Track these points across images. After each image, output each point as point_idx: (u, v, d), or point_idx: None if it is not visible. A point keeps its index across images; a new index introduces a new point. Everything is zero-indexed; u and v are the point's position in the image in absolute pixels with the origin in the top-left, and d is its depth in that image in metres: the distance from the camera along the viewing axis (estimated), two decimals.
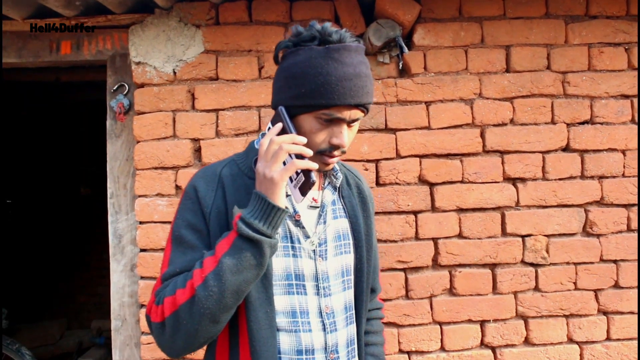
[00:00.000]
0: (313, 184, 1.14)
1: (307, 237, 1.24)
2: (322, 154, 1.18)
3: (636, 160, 2.20)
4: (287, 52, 1.18)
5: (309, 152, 1.11)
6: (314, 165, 1.11)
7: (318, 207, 1.29)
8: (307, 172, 1.13)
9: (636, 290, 2.20)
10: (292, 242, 1.23)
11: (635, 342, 2.19)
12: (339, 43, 1.14)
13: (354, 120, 1.18)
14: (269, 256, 1.11)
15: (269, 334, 1.16)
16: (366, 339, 1.42)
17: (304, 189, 1.15)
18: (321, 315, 1.23)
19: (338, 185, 1.33)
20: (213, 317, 1.08)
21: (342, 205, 1.35)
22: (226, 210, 1.19)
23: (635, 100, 2.21)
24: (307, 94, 1.12)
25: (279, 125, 1.15)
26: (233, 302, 1.09)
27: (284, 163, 1.11)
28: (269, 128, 1.17)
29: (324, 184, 1.32)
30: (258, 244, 1.07)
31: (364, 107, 1.17)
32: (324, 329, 1.23)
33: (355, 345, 1.32)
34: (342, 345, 1.26)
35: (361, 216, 1.36)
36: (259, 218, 1.08)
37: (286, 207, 1.11)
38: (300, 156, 1.12)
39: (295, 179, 1.16)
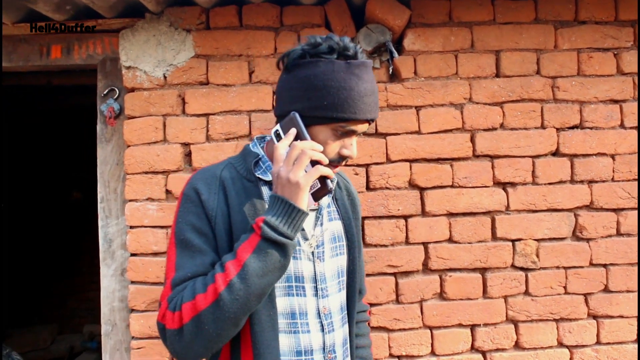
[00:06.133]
0: (330, 191, 1.18)
1: (305, 239, 1.27)
2: (330, 164, 1.22)
3: (625, 164, 2.21)
4: (302, 61, 1.19)
5: (327, 160, 1.16)
6: (332, 173, 1.17)
7: (315, 210, 1.32)
8: (323, 179, 1.17)
9: (626, 294, 2.21)
10: None
11: (625, 346, 2.20)
12: (355, 58, 1.18)
13: (361, 133, 1.24)
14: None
15: (272, 336, 1.19)
16: (355, 341, 1.45)
17: (318, 195, 1.19)
18: (319, 316, 1.26)
19: (333, 188, 1.38)
20: (236, 321, 1.10)
21: (336, 207, 1.40)
22: (229, 213, 1.20)
23: (624, 105, 2.22)
24: (328, 106, 1.16)
25: (294, 131, 1.17)
26: (255, 305, 1.12)
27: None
28: (276, 132, 1.21)
29: None
30: (283, 247, 1.10)
31: (372, 122, 1.24)
32: (322, 330, 1.26)
33: (348, 345, 1.36)
34: (338, 345, 1.30)
35: (352, 218, 1.41)
36: (283, 221, 1.10)
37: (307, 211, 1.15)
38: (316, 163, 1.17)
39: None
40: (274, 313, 1.19)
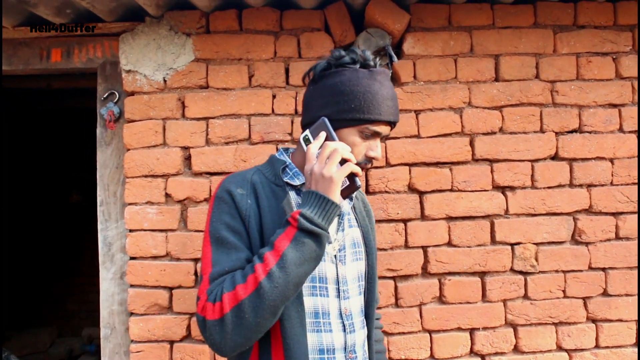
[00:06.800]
0: (358, 187, 1.25)
1: (329, 242, 1.33)
2: (357, 165, 1.29)
3: (624, 168, 2.21)
4: (328, 72, 1.31)
5: (355, 159, 1.26)
6: (361, 171, 1.25)
7: (338, 215, 1.38)
8: (352, 177, 1.24)
9: (625, 298, 2.21)
10: None
11: (624, 350, 2.20)
12: (374, 67, 1.31)
13: (385, 136, 1.34)
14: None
15: (301, 332, 1.25)
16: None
17: (347, 192, 1.26)
18: (341, 316, 1.33)
19: (353, 196, 1.48)
20: (275, 310, 1.15)
21: (355, 216, 1.48)
22: (260, 215, 1.28)
23: (623, 109, 2.23)
24: (356, 109, 1.26)
25: (324, 134, 1.26)
26: (292, 295, 1.17)
27: None
28: (305, 137, 1.29)
29: None
30: (319, 237, 1.17)
31: (394, 125, 1.34)
32: (344, 330, 1.33)
33: (367, 348, 1.43)
34: (359, 346, 1.36)
35: (369, 227, 1.50)
36: (318, 214, 1.17)
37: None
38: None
39: None
40: (301, 310, 1.25)
